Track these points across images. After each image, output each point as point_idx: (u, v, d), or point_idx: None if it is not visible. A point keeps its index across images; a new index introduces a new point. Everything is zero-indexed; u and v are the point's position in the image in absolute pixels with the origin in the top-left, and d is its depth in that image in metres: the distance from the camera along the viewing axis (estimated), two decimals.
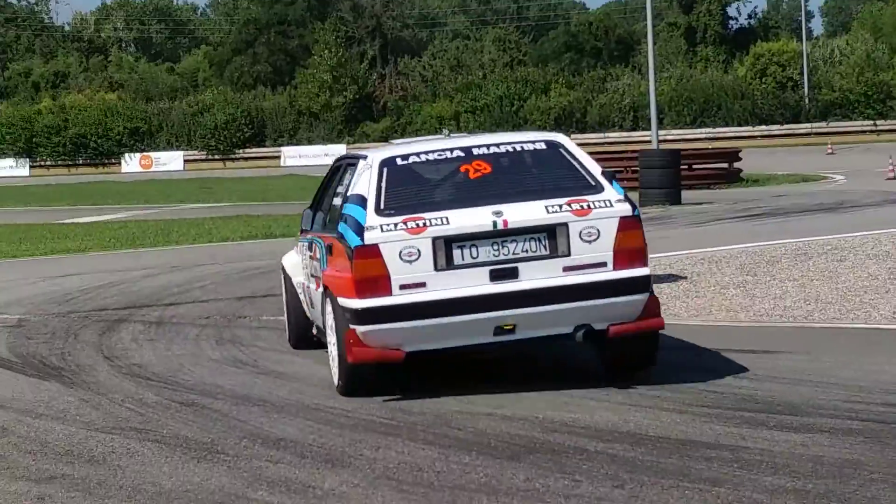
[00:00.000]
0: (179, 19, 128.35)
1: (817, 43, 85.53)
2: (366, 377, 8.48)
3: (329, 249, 8.95)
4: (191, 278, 16.10)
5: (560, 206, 8.55)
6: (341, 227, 8.60)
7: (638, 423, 7.37)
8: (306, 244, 10.27)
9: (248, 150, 78.78)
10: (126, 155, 79.93)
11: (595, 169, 9.12)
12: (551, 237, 8.48)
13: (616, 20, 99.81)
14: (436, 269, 8.35)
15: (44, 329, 12.21)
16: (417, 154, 9.09)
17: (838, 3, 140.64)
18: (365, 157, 9.09)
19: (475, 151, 9.04)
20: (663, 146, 41.49)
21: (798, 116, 70.06)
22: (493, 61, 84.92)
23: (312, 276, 9.71)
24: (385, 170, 8.79)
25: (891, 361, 8.88)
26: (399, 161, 8.99)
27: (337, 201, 9.35)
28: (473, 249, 8.43)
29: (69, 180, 65.42)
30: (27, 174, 79.87)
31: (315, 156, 74.09)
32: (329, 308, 8.81)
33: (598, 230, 8.51)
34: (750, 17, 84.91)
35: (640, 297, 8.52)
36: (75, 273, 17.42)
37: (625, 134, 70.27)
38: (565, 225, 8.49)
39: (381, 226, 8.34)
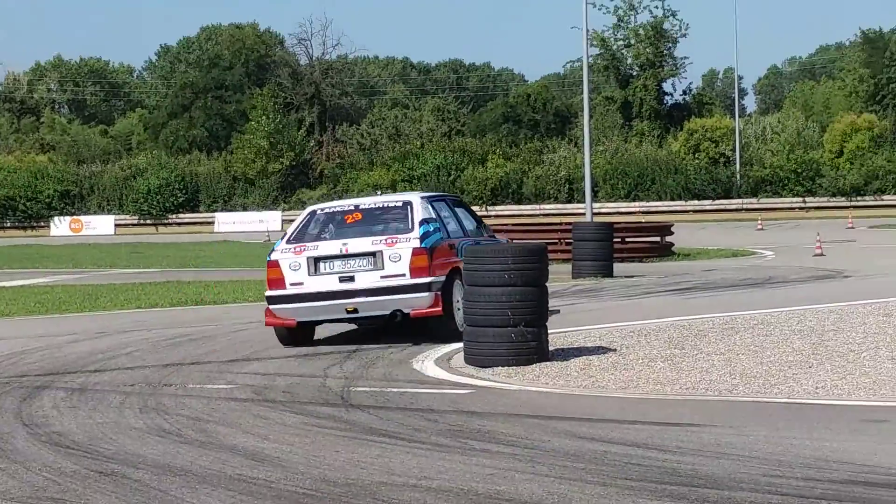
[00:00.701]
0: (115, 81, 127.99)
1: (750, 120, 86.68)
2: (279, 334, 15.28)
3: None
4: (117, 344, 15.92)
5: (381, 241, 14.99)
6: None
7: (562, 496, 7.34)
8: None
9: (181, 216, 78.44)
10: (56, 218, 79.25)
11: (417, 218, 15.23)
12: (373, 258, 14.92)
13: (554, 93, 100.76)
14: (309, 274, 15.00)
15: None
16: (331, 207, 16.16)
17: (771, 81, 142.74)
18: (305, 210, 16.07)
19: (360, 206, 15.95)
20: (598, 219, 41.88)
21: (729, 192, 70.90)
22: (431, 131, 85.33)
23: None
24: (309, 216, 15.81)
25: (811, 436, 8.93)
26: (318, 211, 16.01)
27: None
28: (330, 264, 15.04)
29: None
30: None
31: (250, 222, 73.89)
32: None
33: (399, 255, 14.87)
34: (685, 93, 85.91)
35: (426, 295, 14.76)
36: None
37: (560, 206, 70.72)
38: (381, 252, 14.92)
39: (282, 249, 15.23)
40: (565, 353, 13.38)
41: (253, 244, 53.69)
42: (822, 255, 31.76)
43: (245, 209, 77.35)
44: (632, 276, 27.06)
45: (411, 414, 10.33)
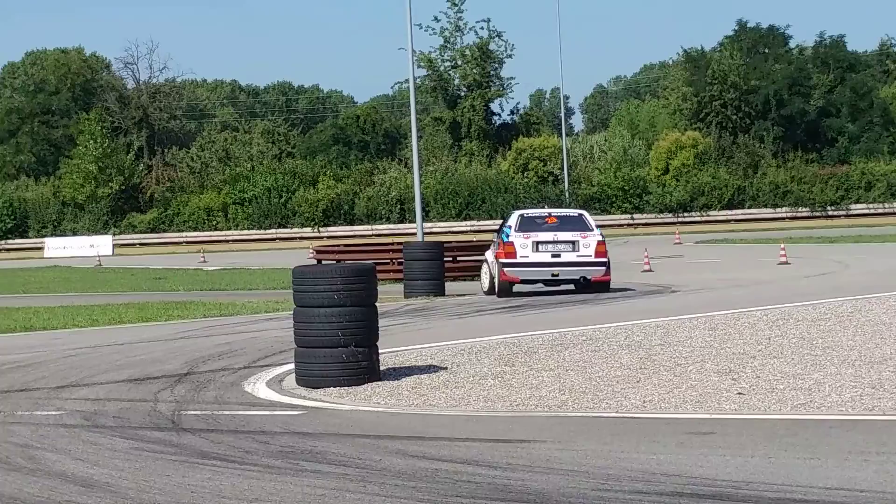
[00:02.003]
0: None
1: (577, 139, 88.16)
2: (502, 287, 25.25)
3: (497, 245, 25.72)
4: None
5: (578, 234, 25.36)
6: (503, 236, 25.56)
7: None
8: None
9: (9, 241, 76.98)
10: None
11: (591, 223, 26.31)
12: (573, 244, 25.21)
13: (383, 114, 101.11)
14: (532, 251, 25.11)
15: None
16: (534, 213, 27.18)
17: (597, 100, 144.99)
18: (515, 212, 27.17)
19: (552, 214, 26.89)
20: (430, 238, 42.07)
21: None
22: (261, 153, 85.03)
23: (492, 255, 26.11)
24: (520, 217, 26.21)
25: (639, 449, 9.15)
26: (525, 215, 26.58)
27: (505, 229, 25.93)
28: (545, 245, 25.17)
29: None
30: None
31: (80, 247, 72.82)
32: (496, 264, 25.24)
33: (589, 244, 25.28)
34: (512, 112, 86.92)
35: (602, 268, 25.16)
36: None
37: (392, 226, 71.02)
38: (578, 241, 25.41)
39: (514, 235, 25.31)
40: (397, 373, 13.50)
41: (84, 268, 52.90)
42: (650, 270, 32.42)
43: (75, 234, 76.21)
44: (464, 295, 27.29)
45: (242, 436, 10.34)
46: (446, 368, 13.72)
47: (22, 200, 78.91)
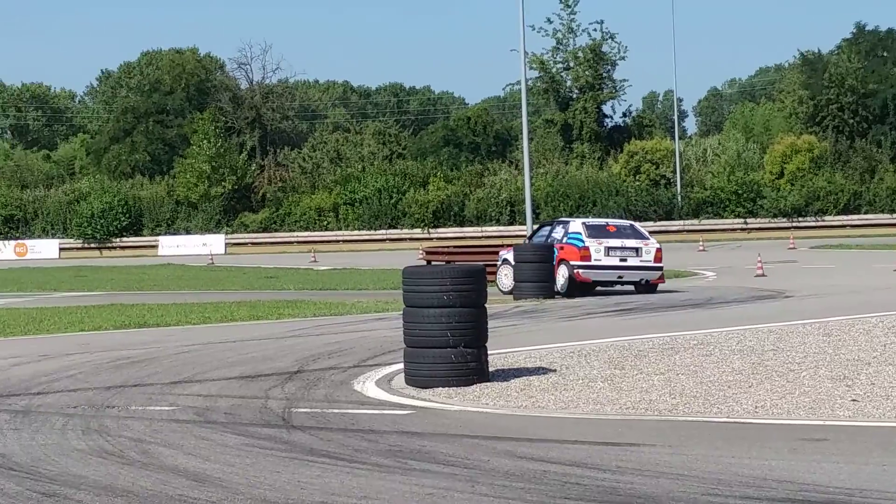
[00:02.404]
0: (57, 107, 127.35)
1: (690, 142, 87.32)
2: (576, 287, 27.65)
3: (561, 248, 28.03)
4: (60, 367, 15.88)
5: (640, 242, 28.54)
6: (574, 241, 28.17)
7: None
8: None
9: (124, 239, 78.11)
10: (0, 242, 78.77)
11: (645, 232, 30.12)
12: (636, 251, 28.24)
13: (494, 116, 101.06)
14: (603, 255, 27.94)
15: None
16: (596, 222, 30.61)
17: (711, 103, 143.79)
18: (571, 220, 30.69)
19: (609, 223, 30.61)
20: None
21: (671, 213, 71.35)
22: (372, 154, 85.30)
23: None
24: (583, 224, 29.33)
25: (750, 455, 9.05)
26: (587, 223, 29.59)
27: (556, 235, 28.92)
28: (614, 251, 28.13)
29: None
30: None
31: (193, 245, 73.72)
32: (561, 267, 27.86)
33: (649, 251, 28.43)
34: (625, 115, 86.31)
35: (659, 273, 28.42)
36: None
37: (502, 228, 70.90)
38: (640, 247, 28.56)
39: (587, 241, 28.08)
40: (505, 374, 13.48)
41: (196, 267, 53.55)
42: (763, 275, 32.08)
43: (188, 232, 77.13)
44: (573, 297, 27.22)
45: (352, 435, 10.40)
46: (555, 371, 13.69)
47: (137, 199, 79.97)
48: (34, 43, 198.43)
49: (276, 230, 77.25)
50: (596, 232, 28.66)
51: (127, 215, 78.51)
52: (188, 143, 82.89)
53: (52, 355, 17.46)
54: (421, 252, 39.73)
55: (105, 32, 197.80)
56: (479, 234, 70.58)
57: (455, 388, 12.63)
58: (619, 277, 28.12)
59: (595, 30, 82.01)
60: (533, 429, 10.58)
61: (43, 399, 13.08)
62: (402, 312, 13.34)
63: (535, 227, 34.35)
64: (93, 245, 78.04)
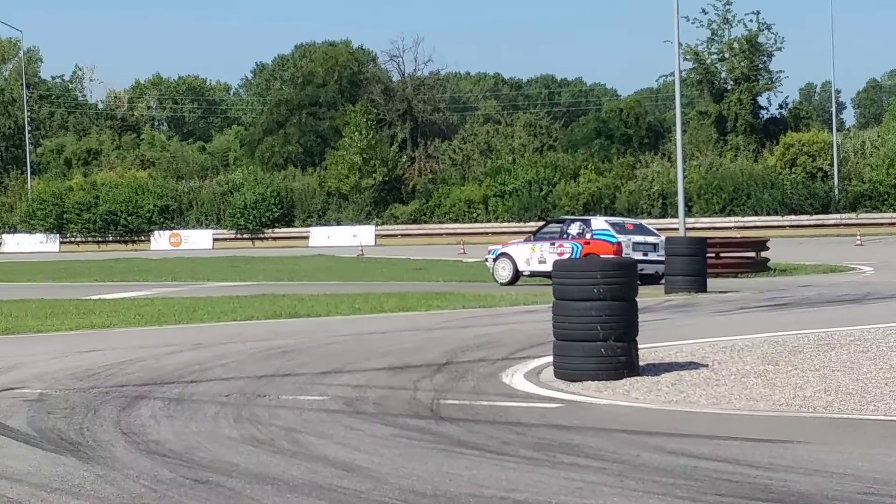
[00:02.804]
0: (212, 99, 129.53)
1: (848, 134, 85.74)
2: None
3: (586, 243, 30.89)
4: (213, 356, 16.12)
5: (657, 237, 31.94)
6: (606, 237, 31.08)
7: None
8: (546, 243, 31.70)
9: (276, 230, 79.14)
10: (156, 232, 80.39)
11: (653, 229, 33.75)
12: (654, 246, 30.95)
13: (647, 107, 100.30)
14: (631, 250, 30.47)
15: (64, 404, 12.23)
16: (617, 220, 33.38)
17: (870, 94, 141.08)
18: (591, 218, 33.29)
19: (626, 221, 33.97)
20: (692, 234, 41.58)
21: (827, 207, 70.06)
22: (523, 146, 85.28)
23: (551, 252, 30.88)
24: (605, 221, 32.31)
25: None
26: (611, 221, 32.63)
27: (572, 231, 31.75)
28: (640, 246, 30.88)
29: (98, 256, 65.71)
30: (57, 250, 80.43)
31: (344, 236, 74.40)
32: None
33: (660, 246, 30.10)
34: (781, 107, 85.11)
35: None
36: (99, 349, 17.46)
37: (654, 221, 70.29)
38: (656, 244, 30.82)
39: (617, 237, 30.91)
40: (656, 368, 13.35)
41: (347, 258, 54.03)
42: None
43: (339, 224, 77.87)
44: (725, 292, 26.90)
45: (500, 427, 10.37)
46: (707, 365, 13.52)
47: (289, 190, 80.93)
48: (191, 37, 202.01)
49: (425, 222, 77.60)
50: (621, 229, 31.59)
51: (279, 206, 79.53)
52: (340, 135, 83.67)
53: (205, 344, 17.73)
54: None
55: (260, 26, 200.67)
56: None
57: (604, 382, 12.54)
58: (641, 270, 27.55)
59: (751, 20, 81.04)
60: (683, 424, 10.44)
61: (196, 387, 13.27)
62: (551, 305, 13.28)
63: (541, 223, 36.81)
64: (245, 236, 79.23)
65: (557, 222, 33.93)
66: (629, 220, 34.88)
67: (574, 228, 31.79)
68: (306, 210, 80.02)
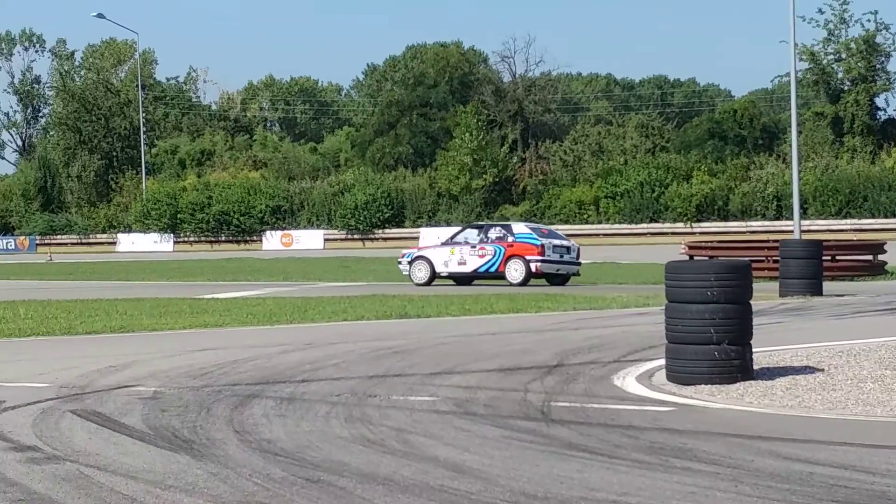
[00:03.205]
0: (324, 100, 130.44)
1: None
2: (531, 277, 33.88)
3: (509, 245, 34.24)
4: (324, 356, 16.20)
5: (569, 242, 35.80)
6: (519, 239, 34.41)
7: None
8: (466, 246, 34.86)
9: (387, 231, 79.51)
10: (267, 232, 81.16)
11: (564, 235, 38.42)
12: (567, 249, 34.97)
13: (761, 108, 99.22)
14: (552, 252, 34.29)
15: (178, 402, 12.36)
16: (533, 225, 37.91)
17: None
18: (511, 224, 37.16)
19: (541, 227, 37.72)
20: (807, 236, 41.08)
21: None
22: (635, 147, 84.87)
23: (472, 255, 34.51)
24: (526, 226, 36.09)
25: None
26: (532, 226, 36.52)
27: (492, 235, 34.94)
28: (558, 248, 34.49)
29: (211, 256, 66.45)
30: (171, 249, 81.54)
31: None
32: (514, 261, 33.98)
33: (574, 249, 35.37)
34: None
35: (578, 267, 35.53)
36: (212, 348, 17.64)
37: (767, 223, 69.70)
38: (570, 247, 35.12)
39: (539, 240, 34.39)
40: (771, 372, 13.18)
41: None
42: None
43: (448, 224, 78.02)
44: (842, 296, 26.51)
45: (612, 430, 10.30)
46: (823, 370, 13.31)
47: (399, 191, 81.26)
48: (303, 38, 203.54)
49: (535, 223, 77.53)
50: (540, 233, 35.08)
51: (389, 207, 79.91)
52: (451, 136, 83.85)
53: (316, 344, 17.83)
54: (683, 246, 39.31)
55: (371, 27, 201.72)
56: (744, 229, 69.46)
57: (718, 386, 12.40)
58: (557, 270, 34.38)
59: (868, 20, 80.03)
60: (799, 429, 10.29)
61: (307, 386, 13.34)
62: (663, 308, 13.17)
63: (459, 229, 38.89)
64: (356, 236, 79.71)
65: (475, 227, 37.13)
66: (543, 226, 38.86)
67: (494, 233, 35.11)
68: (416, 211, 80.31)
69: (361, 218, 79.30)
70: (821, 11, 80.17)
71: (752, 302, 13.00)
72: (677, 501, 7.68)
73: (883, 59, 79.85)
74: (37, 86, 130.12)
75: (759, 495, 7.80)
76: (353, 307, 24.59)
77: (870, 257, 34.70)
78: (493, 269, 34.14)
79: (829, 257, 31.03)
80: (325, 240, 79.21)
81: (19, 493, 8.38)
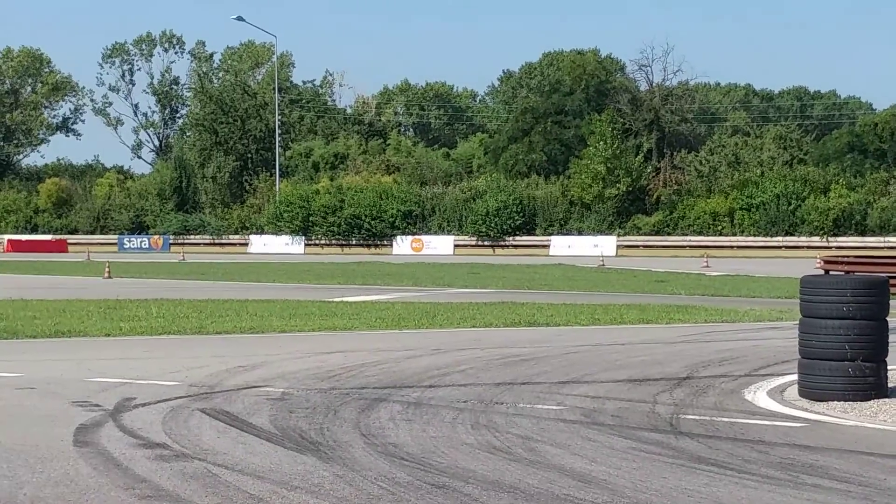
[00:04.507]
0: (458, 105, 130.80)
1: None
2: None
3: None
4: (451, 362, 16.21)
5: None
6: None
7: None
8: None
9: (517, 238, 79.42)
10: (398, 237, 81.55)
11: None
12: None
13: None
14: None
15: (305, 404, 12.45)
16: None
17: None
18: None
19: None
20: None
21: None
22: (772, 159, 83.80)
23: None
24: None
25: None
26: None
27: None
28: None
29: (341, 259, 66.96)
30: (302, 252, 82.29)
31: (584, 246, 74.25)
32: None
33: None
34: None
35: None
36: (340, 351, 17.75)
37: None
38: None
39: None
40: None
41: (587, 268, 53.88)
42: None
43: (580, 233, 77.73)
44: None
45: (741, 444, 10.16)
46: None
47: (531, 198, 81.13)
48: (440, 43, 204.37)
49: (668, 234, 76.92)
50: None
51: (521, 214, 79.82)
52: (585, 144, 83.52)
53: (444, 349, 17.85)
54: (819, 261, 38.70)
55: (508, 33, 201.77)
56: (882, 245, 68.20)
57: (851, 403, 12.17)
58: None
59: None
60: None
61: (434, 392, 13.36)
62: (797, 322, 12.97)
63: None
64: (486, 243, 79.73)
65: None
66: None
67: None
68: (548, 219, 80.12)
69: (492, 224, 79.34)
70: None
71: (888, 319, 12.75)
72: None
73: None
74: (175, 87, 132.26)
75: None
76: (482, 314, 24.59)
77: None
78: None
79: None
80: (456, 245, 79.38)
81: (147, 490, 8.49)
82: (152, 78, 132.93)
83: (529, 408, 12.18)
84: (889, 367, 12.80)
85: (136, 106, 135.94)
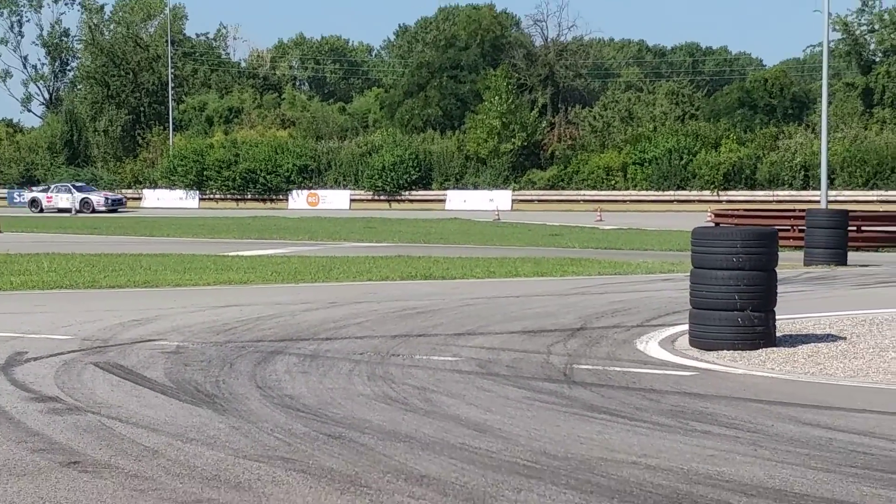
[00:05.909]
0: (353, 60, 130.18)
1: None
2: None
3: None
4: (348, 314, 16.26)
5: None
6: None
7: (784, 480, 7.28)
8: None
9: (413, 193, 79.41)
10: (294, 192, 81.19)
11: None
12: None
13: (792, 78, 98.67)
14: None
15: (201, 357, 12.44)
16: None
17: None
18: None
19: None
20: (833, 207, 40.93)
21: None
22: (664, 114, 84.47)
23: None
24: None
25: None
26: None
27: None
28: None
29: (236, 214, 66.59)
30: (196, 206, 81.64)
31: (480, 201, 74.45)
32: None
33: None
34: None
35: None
36: (235, 304, 17.71)
37: (794, 193, 69.33)
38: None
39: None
40: (793, 340, 13.19)
41: (483, 222, 54.09)
42: None
43: (476, 188, 77.90)
44: (866, 266, 26.45)
45: (633, 393, 10.33)
46: (845, 338, 13.31)
47: (427, 153, 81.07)
48: None
49: (563, 188, 77.31)
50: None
51: (417, 169, 79.77)
52: (480, 99, 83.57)
53: (340, 303, 17.89)
54: (710, 214, 39.23)
55: None
56: (771, 199, 69.18)
57: (740, 352, 12.42)
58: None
59: None
60: (819, 396, 10.31)
61: (331, 344, 13.40)
62: (688, 274, 13.18)
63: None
64: (382, 197, 79.63)
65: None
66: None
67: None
68: (444, 173, 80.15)
69: (388, 179, 79.22)
70: None
71: (776, 270, 13.00)
72: (696, 464, 7.71)
73: None
74: (65, 39, 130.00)
75: (778, 460, 7.82)
76: (378, 267, 24.64)
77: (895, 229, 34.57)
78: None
79: (854, 228, 30.94)
80: (352, 200, 79.18)
81: (40, 443, 8.46)
82: (42, 30, 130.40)
83: (425, 359, 12.27)
84: (777, 317, 13.06)
85: (26, 58, 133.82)
